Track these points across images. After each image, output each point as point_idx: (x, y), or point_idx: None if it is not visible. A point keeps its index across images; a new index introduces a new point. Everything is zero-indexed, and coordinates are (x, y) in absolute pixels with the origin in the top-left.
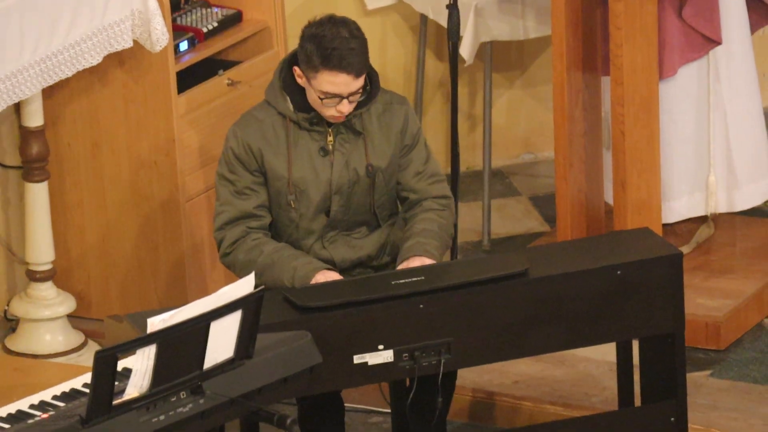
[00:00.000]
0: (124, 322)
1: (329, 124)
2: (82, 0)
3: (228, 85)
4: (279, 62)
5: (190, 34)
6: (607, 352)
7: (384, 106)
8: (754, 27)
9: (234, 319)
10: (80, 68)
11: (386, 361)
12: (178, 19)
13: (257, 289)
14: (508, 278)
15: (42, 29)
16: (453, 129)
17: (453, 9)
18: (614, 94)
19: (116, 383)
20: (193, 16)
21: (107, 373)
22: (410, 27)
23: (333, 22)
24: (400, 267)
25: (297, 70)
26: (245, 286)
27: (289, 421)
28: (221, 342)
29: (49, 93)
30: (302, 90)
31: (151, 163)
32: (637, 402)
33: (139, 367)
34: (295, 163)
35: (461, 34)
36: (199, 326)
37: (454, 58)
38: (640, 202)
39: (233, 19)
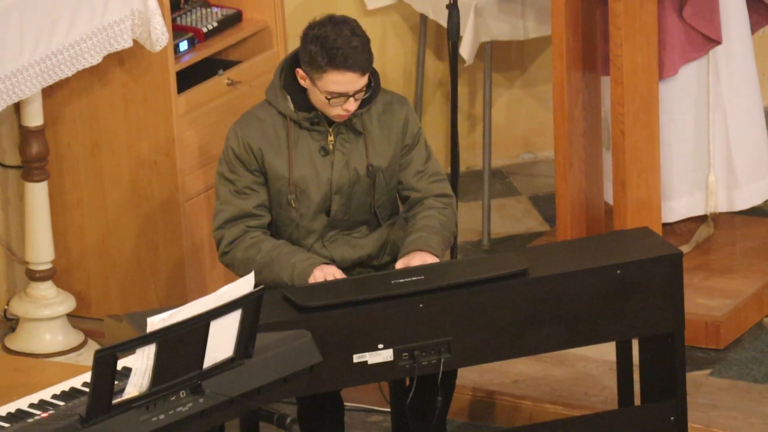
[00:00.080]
0: (124, 322)
1: (330, 124)
2: (82, 0)
3: (228, 84)
4: (280, 62)
5: (190, 34)
6: (607, 351)
7: (384, 106)
8: (754, 27)
9: (234, 319)
10: (80, 68)
11: (386, 360)
12: (178, 18)
13: (257, 289)
14: (508, 278)
15: (42, 29)
16: (453, 129)
17: (453, 9)
18: (614, 94)
19: (116, 382)
20: (193, 16)
21: (107, 373)
22: (410, 27)
23: (334, 22)
24: (400, 260)
25: (300, 72)
26: (245, 285)
27: (288, 420)
28: (221, 341)
29: (48, 93)
30: (303, 90)
31: (150, 163)
32: (637, 401)
33: (139, 367)
34: (295, 162)
35: (461, 33)
36: (199, 326)
37: (454, 57)
38: (639, 201)
39: (233, 19)
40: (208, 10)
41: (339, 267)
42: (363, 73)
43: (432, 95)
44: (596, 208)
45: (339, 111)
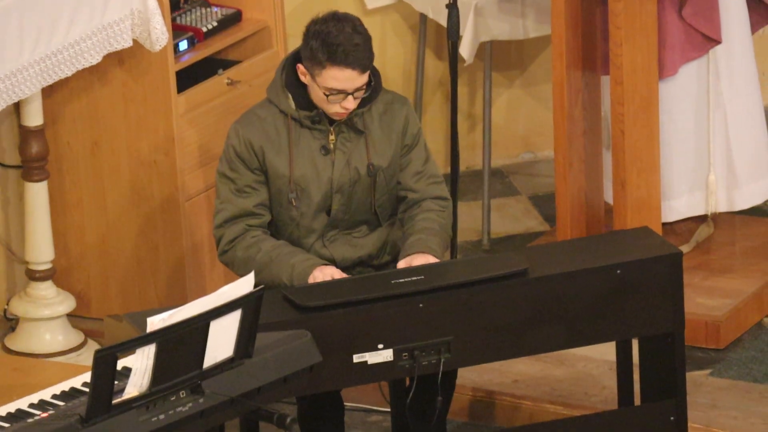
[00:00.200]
0: (124, 322)
1: (331, 123)
2: (82, 0)
3: (228, 84)
4: (281, 61)
5: (190, 34)
6: (607, 351)
7: (385, 106)
8: (754, 27)
9: (234, 319)
10: (80, 67)
11: (386, 360)
12: (178, 18)
13: (257, 289)
14: (508, 278)
15: (42, 28)
16: (453, 128)
17: (453, 8)
18: (614, 94)
19: (116, 382)
20: (193, 16)
21: (107, 373)
22: (410, 26)
23: (337, 18)
24: (402, 262)
25: (301, 67)
26: (245, 285)
27: (288, 420)
28: (221, 341)
29: (48, 92)
30: (304, 88)
31: (150, 163)
32: (637, 401)
33: (139, 367)
34: (296, 161)
35: (461, 33)
36: (199, 325)
37: (454, 57)
38: (639, 201)
39: (233, 19)
40: (208, 9)
41: (339, 266)
42: (362, 71)
43: (432, 95)
44: (596, 208)
45: (337, 108)
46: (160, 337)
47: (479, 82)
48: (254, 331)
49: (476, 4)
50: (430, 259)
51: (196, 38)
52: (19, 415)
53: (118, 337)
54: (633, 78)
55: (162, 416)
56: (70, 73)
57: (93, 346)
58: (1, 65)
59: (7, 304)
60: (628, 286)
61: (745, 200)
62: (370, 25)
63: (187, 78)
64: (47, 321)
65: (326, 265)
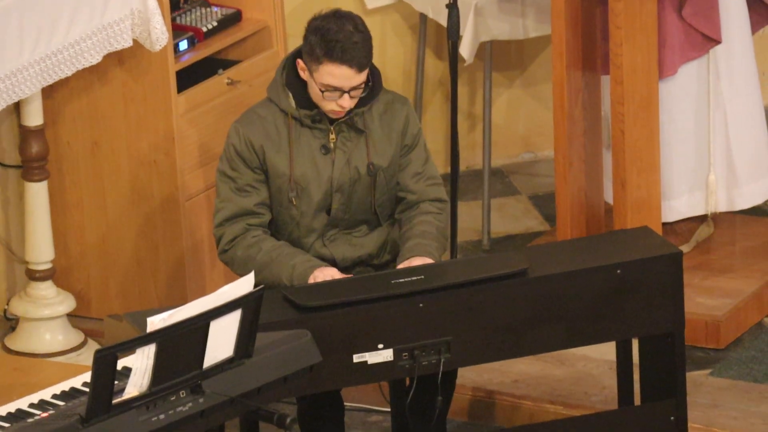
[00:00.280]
0: (124, 322)
1: (331, 122)
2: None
3: (228, 84)
4: (281, 60)
5: (190, 34)
6: (607, 351)
7: (385, 106)
8: (754, 27)
9: (234, 318)
10: (80, 67)
11: (386, 360)
12: (178, 18)
13: (257, 289)
14: (508, 277)
15: (42, 28)
16: (453, 128)
17: (453, 8)
18: (614, 93)
19: (116, 382)
20: (193, 16)
21: (107, 372)
22: (410, 26)
23: (338, 16)
24: (400, 267)
25: (300, 62)
26: (245, 285)
27: (288, 420)
28: (221, 341)
29: (48, 92)
30: (305, 87)
31: (150, 162)
32: (637, 401)
33: (139, 366)
34: (296, 160)
35: (461, 33)
36: (199, 325)
37: (454, 57)
38: (639, 201)
39: (233, 19)
40: (208, 9)
41: (339, 266)
42: (359, 70)
43: (432, 95)
44: (596, 208)
45: (333, 106)
46: (160, 337)
47: (479, 82)
48: (254, 330)
49: (476, 4)
50: (428, 262)
51: (196, 38)
52: (19, 415)
53: (118, 337)
54: (633, 78)
55: (162, 416)
56: (70, 73)
57: (93, 346)
58: (1, 65)
59: (7, 304)
60: (628, 286)
61: (746, 200)
62: (370, 25)
63: (187, 78)
64: (47, 321)
65: (327, 266)
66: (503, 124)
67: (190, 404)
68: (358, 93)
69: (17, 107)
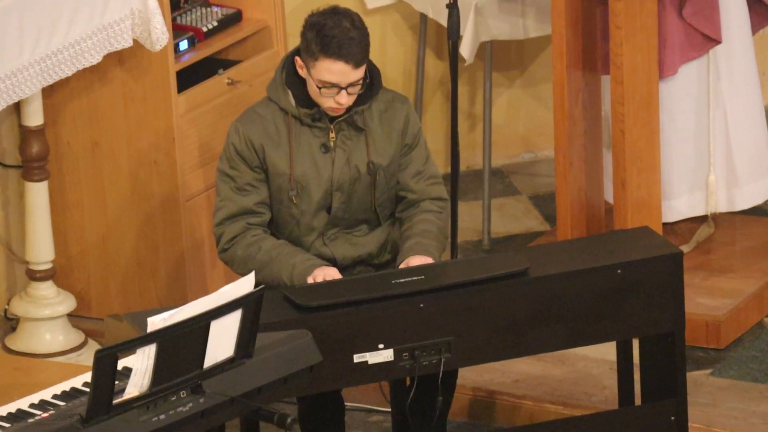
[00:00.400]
0: (124, 322)
1: (331, 121)
2: None
3: (228, 84)
4: (281, 59)
5: (190, 34)
6: (607, 351)
7: (386, 105)
8: (755, 28)
9: (234, 319)
10: (80, 67)
11: (386, 360)
12: (178, 18)
13: (257, 289)
14: (509, 277)
15: (42, 28)
16: (453, 128)
17: (453, 8)
18: (614, 93)
19: (116, 382)
20: (193, 16)
21: (107, 373)
22: (410, 26)
23: (335, 12)
24: (401, 266)
25: (298, 60)
26: (245, 285)
27: (289, 420)
28: (221, 341)
29: (48, 92)
30: (304, 85)
31: (150, 162)
32: (638, 401)
33: (139, 367)
34: (296, 159)
35: (461, 33)
36: (200, 325)
37: (454, 57)
38: (640, 201)
39: (233, 19)
40: (208, 9)
41: (339, 265)
42: (356, 66)
43: (432, 95)
44: (596, 208)
45: (331, 103)
46: (161, 337)
47: (479, 82)
48: (255, 331)
49: (476, 3)
50: (428, 262)
51: (197, 38)
52: (19, 415)
53: (119, 337)
54: (633, 78)
55: (162, 416)
56: (70, 73)
57: (93, 346)
58: (1, 65)
59: (8, 304)
60: (628, 286)
61: (746, 200)
62: (371, 24)
63: (188, 78)
64: (48, 321)
65: (327, 266)
66: (503, 124)
67: (191, 404)
68: (356, 90)
69: (17, 107)
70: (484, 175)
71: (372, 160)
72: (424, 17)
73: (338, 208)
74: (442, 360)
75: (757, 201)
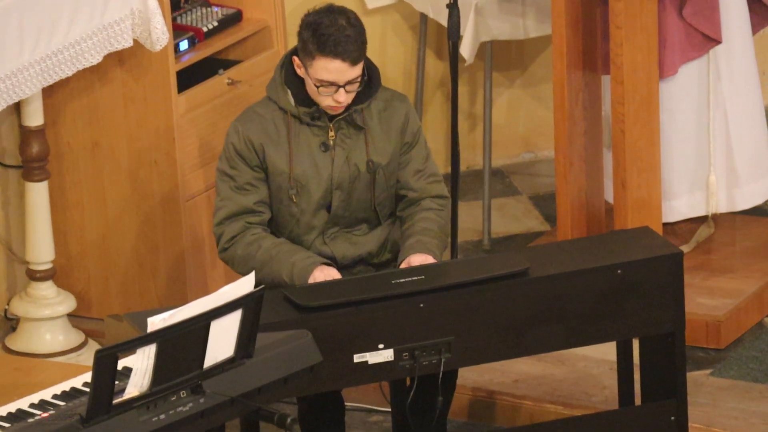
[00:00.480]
0: (124, 322)
1: (330, 119)
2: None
3: (228, 84)
4: (280, 59)
5: (190, 34)
6: (608, 351)
7: (385, 104)
8: (755, 28)
9: (234, 319)
10: (80, 67)
11: (386, 360)
12: (178, 18)
13: (257, 289)
14: (509, 277)
15: (42, 28)
16: (453, 128)
17: (453, 8)
18: (614, 93)
19: (116, 382)
20: (193, 16)
21: (107, 373)
22: (410, 26)
23: (331, 10)
24: (402, 265)
25: (296, 60)
26: (245, 285)
27: (289, 420)
28: (221, 341)
29: (49, 92)
30: (303, 84)
31: (151, 162)
32: (638, 401)
33: (140, 367)
34: (296, 157)
35: (461, 33)
36: (200, 325)
37: (455, 57)
38: (640, 201)
39: (233, 19)
40: (209, 9)
41: (339, 264)
42: (353, 63)
43: (432, 95)
44: (597, 208)
45: (330, 102)
46: (161, 337)
47: (480, 82)
48: (255, 331)
49: (477, 3)
50: (429, 260)
51: (197, 38)
52: (19, 415)
53: (119, 337)
54: (633, 78)
55: (162, 416)
56: (70, 73)
57: (93, 346)
58: (1, 65)
59: (8, 304)
60: (628, 286)
61: (746, 200)
62: (371, 25)
63: (188, 78)
64: (48, 321)
65: (327, 263)
66: (504, 124)
67: (191, 404)
68: (354, 87)
69: (17, 107)
70: (484, 175)
71: (371, 159)
72: (424, 17)
73: (338, 207)
74: (442, 360)
75: (757, 201)
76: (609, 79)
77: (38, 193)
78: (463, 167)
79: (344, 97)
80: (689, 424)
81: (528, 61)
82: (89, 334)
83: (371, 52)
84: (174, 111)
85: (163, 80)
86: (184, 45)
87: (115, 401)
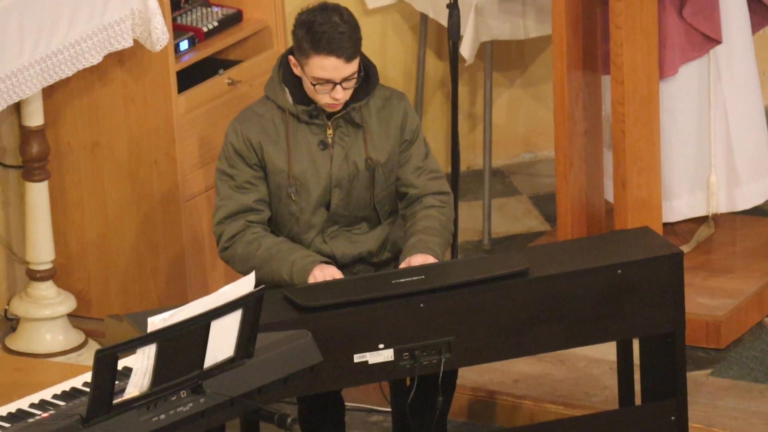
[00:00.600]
0: (125, 322)
1: (328, 117)
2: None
3: (228, 84)
4: (278, 58)
5: (191, 34)
6: (608, 351)
7: (383, 102)
8: (755, 28)
9: (234, 319)
10: (80, 67)
11: (386, 360)
12: (179, 18)
13: (257, 289)
14: (509, 277)
15: (42, 28)
16: (453, 128)
17: (453, 8)
18: (615, 93)
19: (116, 382)
20: (193, 16)
21: (107, 372)
22: (410, 26)
23: (324, 8)
24: (403, 264)
25: (292, 59)
26: (245, 285)
27: (289, 420)
28: (221, 341)
29: (49, 92)
30: (301, 82)
31: (151, 162)
32: (638, 401)
33: (140, 367)
34: (294, 156)
35: (461, 33)
36: (200, 325)
37: (455, 57)
38: (640, 201)
39: (233, 19)
40: (209, 9)
41: (339, 262)
42: (348, 60)
43: (432, 95)
44: (597, 208)
45: (327, 99)
46: (161, 337)
47: (480, 82)
48: (255, 331)
49: (477, 3)
50: (429, 259)
51: (197, 38)
52: (19, 415)
53: (119, 337)
54: (633, 78)
55: (163, 416)
56: (70, 73)
57: (94, 346)
58: (1, 65)
59: (8, 304)
60: (628, 286)
61: (746, 200)
62: (371, 25)
63: (188, 78)
64: (48, 321)
65: (327, 262)
66: (504, 124)
67: (191, 404)
68: (350, 84)
69: (18, 107)
70: (484, 175)
71: (370, 156)
72: (424, 17)
73: (337, 205)
74: (442, 360)
75: (757, 201)
76: (609, 79)
77: (38, 193)
78: (463, 167)
79: (341, 94)
80: (689, 424)
81: (528, 61)
82: (89, 334)
83: (371, 52)
84: (174, 111)
85: (163, 80)
86: (184, 45)
87: (115, 401)
